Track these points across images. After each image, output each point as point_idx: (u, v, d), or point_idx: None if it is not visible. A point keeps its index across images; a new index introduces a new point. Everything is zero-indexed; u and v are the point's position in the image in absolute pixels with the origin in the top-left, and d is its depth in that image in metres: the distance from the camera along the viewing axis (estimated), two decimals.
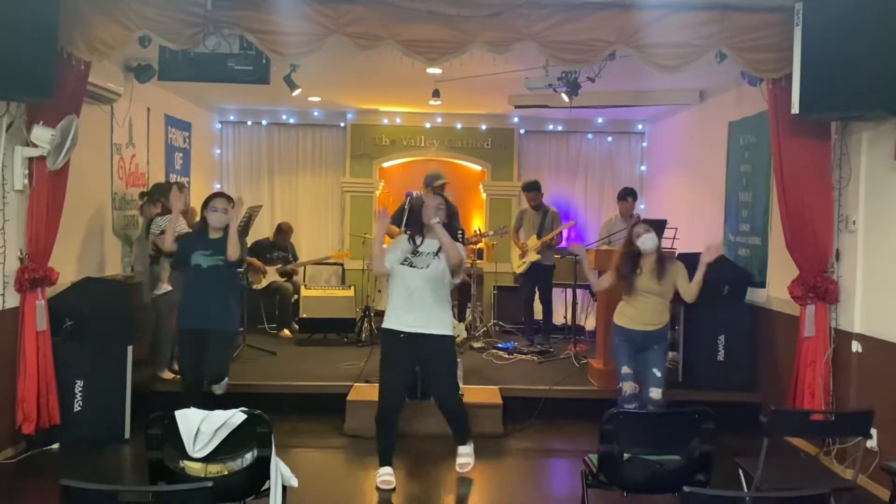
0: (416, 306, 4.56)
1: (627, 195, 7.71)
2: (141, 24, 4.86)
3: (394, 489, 4.58)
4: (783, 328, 5.84)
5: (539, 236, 7.88)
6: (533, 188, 8.10)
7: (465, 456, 4.82)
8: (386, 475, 4.63)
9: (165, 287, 6.16)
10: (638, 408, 4.80)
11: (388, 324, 4.67)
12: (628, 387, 4.93)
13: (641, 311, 4.96)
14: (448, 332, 4.66)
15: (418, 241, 4.66)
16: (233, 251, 4.95)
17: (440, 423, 5.19)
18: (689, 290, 4.89)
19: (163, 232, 6.20)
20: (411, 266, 4.59)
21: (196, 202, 7.51)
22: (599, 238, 7.79)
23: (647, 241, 4.93)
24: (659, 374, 4.91)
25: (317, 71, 6.64)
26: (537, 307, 8.18)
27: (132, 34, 4.90)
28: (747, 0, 4.86)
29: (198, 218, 7.22)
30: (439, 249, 4.60)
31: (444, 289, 4.67)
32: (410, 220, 6.49)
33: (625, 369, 4.97)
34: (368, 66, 6.54)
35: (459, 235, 6.24)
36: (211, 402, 4.51)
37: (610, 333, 5.17)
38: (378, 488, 4.58)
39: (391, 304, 4.68)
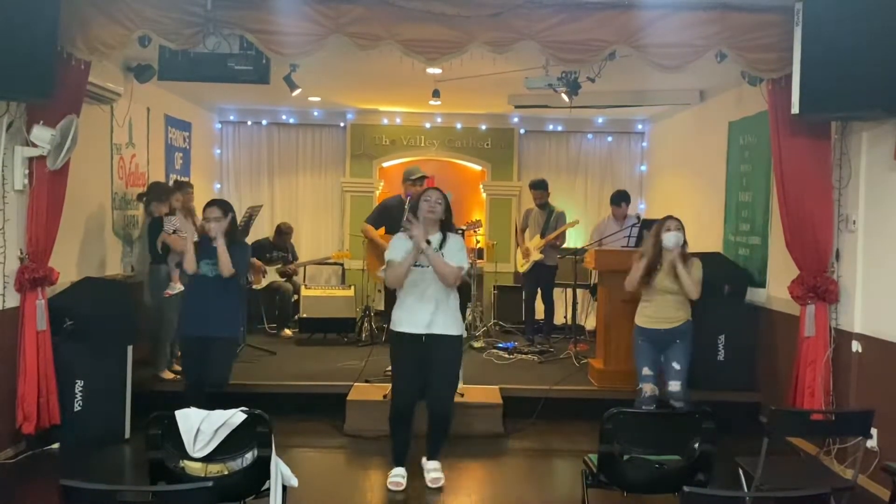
0: (428, 306, 4.48)
1: (621, 200, 7.69)
2: (141, 24, 4.86)
3: (403, 490, 4.57)
4: (783, 328, 5.84)
5: (543, 236, 7.88)
6: (539, 186, 8.09)
7: (437, 471, 4.67)
8: (398, 476, 4.62)
9: (178, 287, 6.16)
10: (658, 406, 4.81)
11: (399, 327, 4.56)
12: (648, 388, 4.93)
13: (660, 309, 4.97)
14: (458, 331, 4.59)
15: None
16: (224, 268, 4.90)
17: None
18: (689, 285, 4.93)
19: (175, 231, 6.22)
20: (418, 265, 4.46)
21: (197, 203, 7.53)
22: (591, 241, 7.78)
23: (670, 238, 4.90)
24: (678, 367, 4.92)
25: (317, 71, 6.64)
26: (539, 307, 8.17)
27: (132, 34, 4.89)
28: (747, 0, 4.86)
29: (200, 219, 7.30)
30: (442, 245, 4.50)
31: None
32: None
33: (645, 370, 4.97)
34: (368, 66, 6.54)
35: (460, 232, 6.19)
36: (211, 406, 4.53)
37: (633, 335, 5.15)
38: (388, 489, 4.58)
39: (401, 306, 4.57)
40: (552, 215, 7.95)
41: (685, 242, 5.00)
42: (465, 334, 4.73)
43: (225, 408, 3.27)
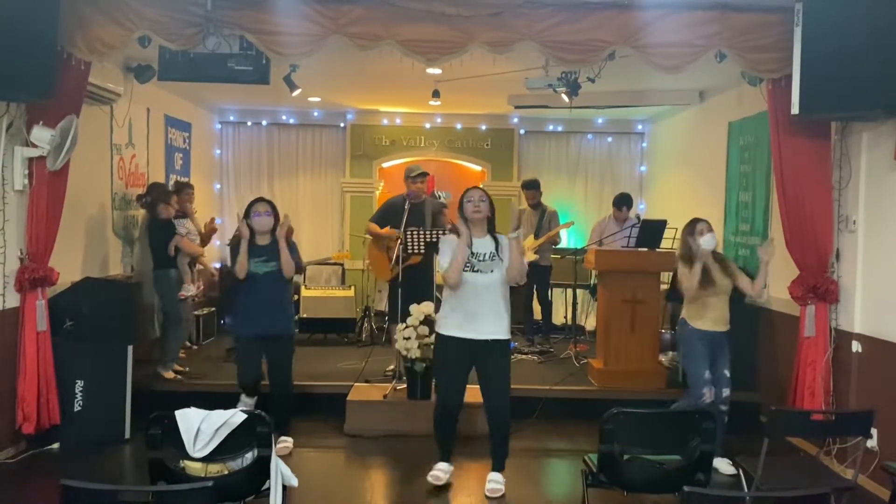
0: (486, 312, 4.42)
1: (623, 204, 7.67)
2: (141, 24, 4.86)
3: (402, 491, 4.56)
4: (783, 328, 5.84)
5: (537, 236, 7.86)
6: (531, 186, 8.09)
7: (496, 483, 4.58)
8: (439, 471, 4.63)
9: (192, 289, 6.16)
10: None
11: (449, 330, 4.49)
12: (709, 393, 4.85)
13: (721, 311, 4.96)
14: (508, 335, 4.57)
15: (471, 241, 4.43)
16: (287, 269, 5.05)
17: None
18: (755, 286, 4.98)
19: (187, 233, 6.22)
20: (476, 271, 4.41)
21: (198, 203, 7.53)
22: (591, 240, 7.78)
23: (709, 240, 4.86)
24: (729, 374, 4.93)
25: (317, 71, 6.63)
26: (536, 307, 8.16)
27: (132, 34, 4.90)
28: (747, 0, 4.86)
29: (206, 219, 7.30)
30: (498, 248, 4.45)
31: (506, 290, 4.54)
32: (413, 220, 6.43)
33: (707, 374, 4.89)
34: (368, 66, 6.53)
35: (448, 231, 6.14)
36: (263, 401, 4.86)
37: (685, 338, 5.05)
38: (428, 481, 4.59)
39: (451, 310, 4.48)
40: (545, 215, 7.94)
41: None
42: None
43: (227, 408, 3.27)
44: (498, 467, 4.64)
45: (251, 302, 5.07)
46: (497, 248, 4.46)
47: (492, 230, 4.54)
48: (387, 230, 6.45)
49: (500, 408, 4.57)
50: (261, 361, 5.19)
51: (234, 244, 5.22)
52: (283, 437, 5.16)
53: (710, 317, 4.95)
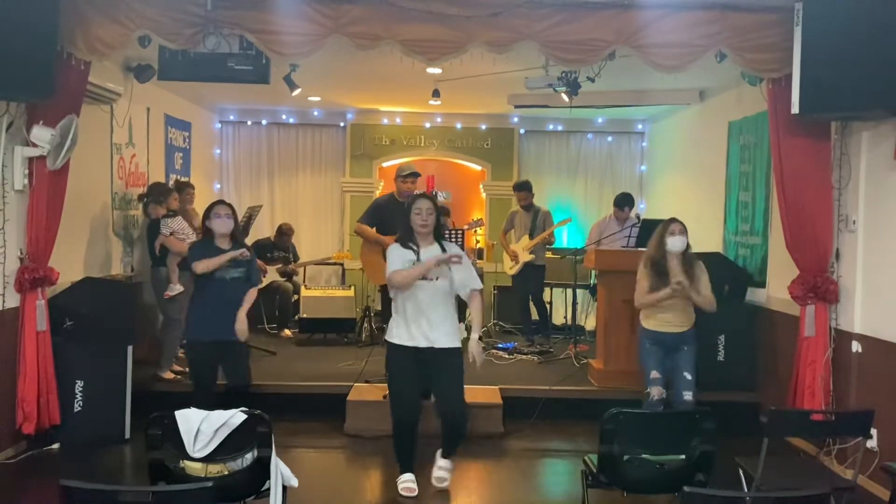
0: (426, 320, 4.38)
1: (625, 204, 7.67)
2: (141, 24, 4.86)
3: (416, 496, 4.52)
4: (783, 328, 5.83)
5: (531, 236, 7.87)
6: (524, 188, 8.10)
7: (445, 470, 4.62)
8: (409, 482, 4.56)
9: (178, 288, 6.16)
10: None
11: (396, 339, 4.47)
12: (657, 392, 4.89)
13: (670, 313, 4.92)
14: (457, 343, 4.52)
15: (414, 248, 4.43)
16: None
17: (437, 423, 5.19)
18: (706, 301, 4.86)
19: (172, 233, 6.21)
20: (424, 279, 4.36)
21: (198, 203, 7.53)
22: (591, 240, 7.78)
23: (675, 242, 4.87)
24: (690, 378, 4.88)
25: (317, 71, 6.64)
26: (533, 307, 8.16)
27: (132, 34, 4.89)
28: (747, 0, 4.86)
29: (199, 219, 7.30)
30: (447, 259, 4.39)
31: (452, 299, 4.52)
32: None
33: (654, 374, 4.92)
34: (368, 66, 6.53)
35: (447, 234, 6.08)
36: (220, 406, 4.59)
37: (639, 338, 5.11)
38: (401, 495, 4.51)
39: (398, 319, 4.48)
40: (538, 216, 7.94)
41: (688, 245, 4.96)
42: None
43: (228, 408, 3.27)
44: (448, 453, 4.61)
45: (206, 305, 4.93)
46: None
47: (438, 237, 4.48)
48: (374, 231, 6.35)
49: (455, 413, 4.53)
50: (217, 368, 5.05)
51: (194, 247, 5.15)
52: None
53: (659, 317, 4.95)
